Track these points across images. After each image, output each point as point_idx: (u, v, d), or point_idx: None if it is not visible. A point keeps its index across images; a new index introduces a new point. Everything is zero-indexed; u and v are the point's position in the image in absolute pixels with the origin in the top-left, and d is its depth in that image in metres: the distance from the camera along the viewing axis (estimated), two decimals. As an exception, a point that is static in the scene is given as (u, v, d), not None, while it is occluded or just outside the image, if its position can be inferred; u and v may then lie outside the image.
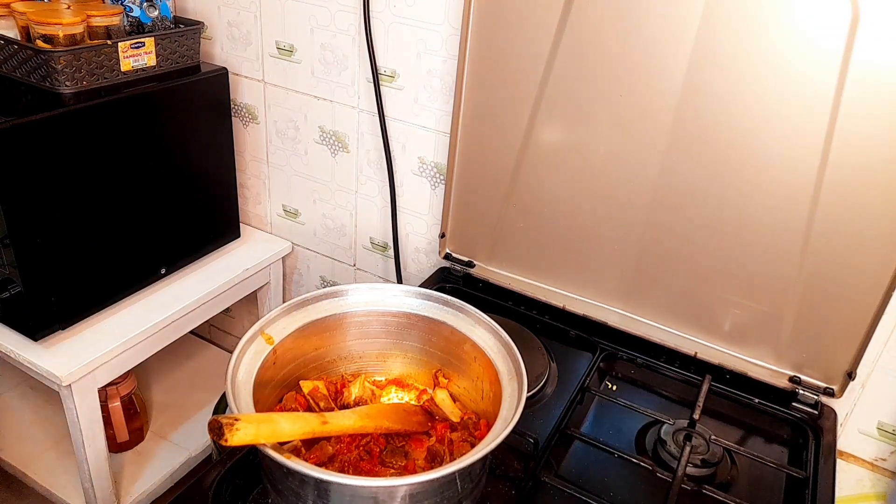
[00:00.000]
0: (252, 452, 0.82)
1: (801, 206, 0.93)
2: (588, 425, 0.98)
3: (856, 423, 1.07)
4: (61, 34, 1.10)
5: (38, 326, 1.17)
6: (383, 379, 0.95)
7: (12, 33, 1.14)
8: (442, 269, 1.27)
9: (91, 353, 1.19)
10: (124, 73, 1.19)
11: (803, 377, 1.02)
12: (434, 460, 0.81)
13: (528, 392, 0.80)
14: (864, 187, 0.89)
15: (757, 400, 1.02)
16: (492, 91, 1.09)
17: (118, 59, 1.17)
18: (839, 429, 1.07)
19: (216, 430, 0.63)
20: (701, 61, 0.93)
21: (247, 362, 0.79)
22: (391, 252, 1.40)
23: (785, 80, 0.89)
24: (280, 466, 0.68)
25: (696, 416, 0.94)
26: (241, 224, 1.53)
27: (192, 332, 1.48)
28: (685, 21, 0.92)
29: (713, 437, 0.93)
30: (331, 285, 1.54)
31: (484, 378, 0.85)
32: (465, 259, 1.24)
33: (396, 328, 0.92)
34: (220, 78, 1.34)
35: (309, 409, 0.85)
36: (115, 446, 1.48)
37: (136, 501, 1.41)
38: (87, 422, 1.23)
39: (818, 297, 0.97)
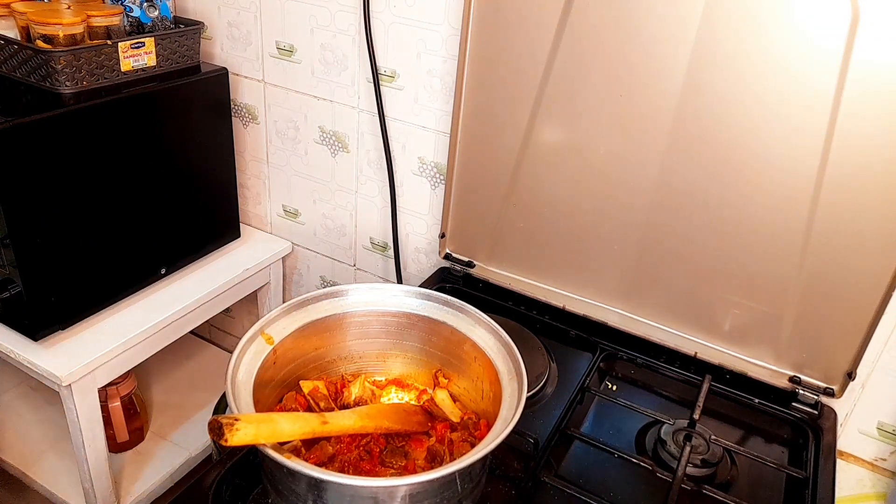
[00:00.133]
0: (252, 452, 0.82)
1: (801, 206, 0.93)
2: (588, 425, 0.98)
3: (856, 423, 1.07)
4: (61, 34, 1.10)
5: (38, 326, 1.17)
6: (383, 379, 0.95)
7: (12, 33, 1.14)
8: (442, 269, 1.27)
9: (91, 353, 1.19)
10: (124, 73, 1.19)
11: (803, 377, 1.02)
12: (434, 460, 0.81)
13: (528, 392, 0.80)
14: (864, 187, 0.89)
15: (757, 400, 1.02)
16: (492, 91, 1.09)
17: (118, 59, 1.17)
18: (839, 429, 1.07)
19: (216, 430, 0.63)
20: (701, 61, 0.93)
21: (247, 362, 0.79)
22: (391, 252, 1.40)
23: (785, 80, 0.89)
24: (280, 466, 0.68)
25: (696, 416, 0.94)
26: (241, 224, 1.53)
27: (192, 332, 1.48)
28: (685, 21, 0.92)
29: (713, 437, 0.93)
30: (331, 285, 1.54)
31: (484, 378, 0.85)
32: (465, 259, 1.24)
33: (396, 328, 0.92)
34: (220, 78, 1.34)
35: (309, 409, 0.85)
36: (115, 446, 1.48)
37: (136, 501, 1.41)
38: (87, 422, 1.23)
39: (818, 297, 0.97)
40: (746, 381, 1.04)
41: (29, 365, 1.17)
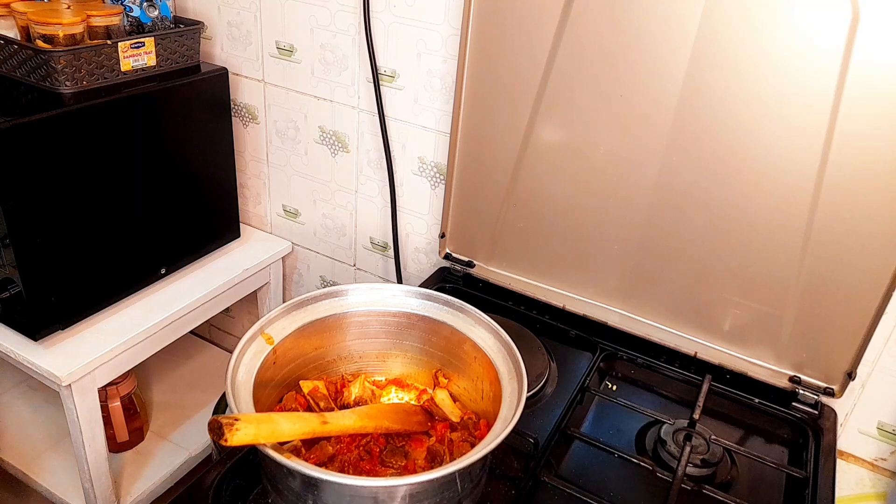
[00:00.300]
0: (252, 452, 0.82)
1: (801, 206, 0.93)
2: (588, 425, 0.98)
3: (856, 423, 1.07)
4: (61, 34, 1.10)
5: (38, 326, 1.17)
6: (383, 379, 0.95)
7: (12, 33, 1.14)
8: (442, 269, 1.27)
9: (91, 353, 1.19)
10: (124, 73, 1.19)
11: (803, 377, 1.02)
12: (434, 460, 0.81)
13: (528, 392, 0.80)
14: (864, 187, 0.89)
15: (757, 400, 1.02)
16: (492, 91, 1.09)
17: (118, 59, 1.17)
18: (839, 429, 1.07)
19: (216, 430, 0.63)
20: (701, 61, 0.93)
21: (247, 362, 0.79)
22: (391, 252, 1.40)
23: (785, 80, 0.89)
24: (280, 466, 0.68)
25: (696, 416, 0.94)
26: (241, 224, 1.53)
27: (192, 332, 1.48)
28: (685, 21, 0.92)
29: (713, 437, 0.93)
30: (331, 285, 1.55)
31: (484, 378, 0.85)
32: (465, 259, 1.24)
33: (396, 328, 0.92)
34: (220, 78, 1.34)
35: (309, 409, 0.85)
36: (115, 446, 1.47)
37: (136, 501, 1.41)
38: (87, 422, 1.23)
39: (818, 297, 0.97)
40: (746, 381, 1.04)
41: (29, 365, 1.17)
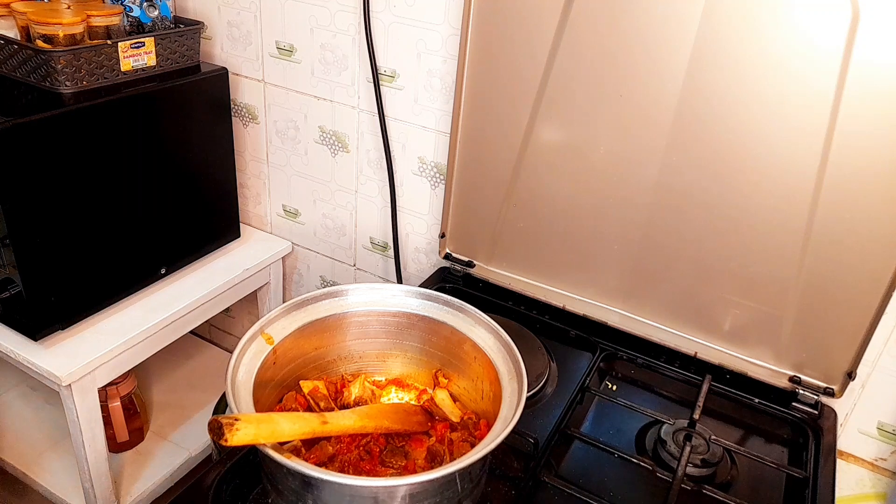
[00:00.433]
0: (252, 452, 0.82)
1: (801, 206, 0.93)
2: (588, 425, 0.98)
3: (856, 423, 1.07)
4: (61, 34, 1.10)
5: (38, 326, 1.17)
6: (383, 379, 0.95)
7: (12, 33, 1.14)
8: (442, 269, 1.27)
9: (91, 353, 1.19)
10: (124, 73, 1.19)
11: (803, 377, 1.02)
12: (434, 460, 0.81)
13: (528, 392, 0.80)
14: (864, 187, 0.89)
15: (757, 400, 1.02)
16: (492, 91, 1.09)
17: (118, 59, 1.17)
18: (839, 429, 1.07)
19: (216, 430, 0.63)
20: (701, 61, 0.93)
21: (247, 362, 0.79)
22: (391, 252, 1.40)
23: (785, 80, 0.89)
24: (280, 466, 0.68)
25: (696, 416, 0.94)
26: (241, 224, 1.53)
27: (192, 332, 1.48)
28: (685, 21, 0.92)
29: (713, 437, 0.93)
30: (331, 285, 1.54)
31: (484, 378, 0.85)
32: (465, 259, 1.24)
33: (396, 328, 0.92)
34: (220, 78, 1.34)
35: (309, 409, 0.85)
36: (115, 446, 1.47)
37: (136, 501, 1.41)
38: (87, 422, 1.23)
39: (818, 297, 0.97)
40: (746, 381, 1.04)
41: (29, 365, 1.17)
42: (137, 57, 1.20)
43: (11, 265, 1.10)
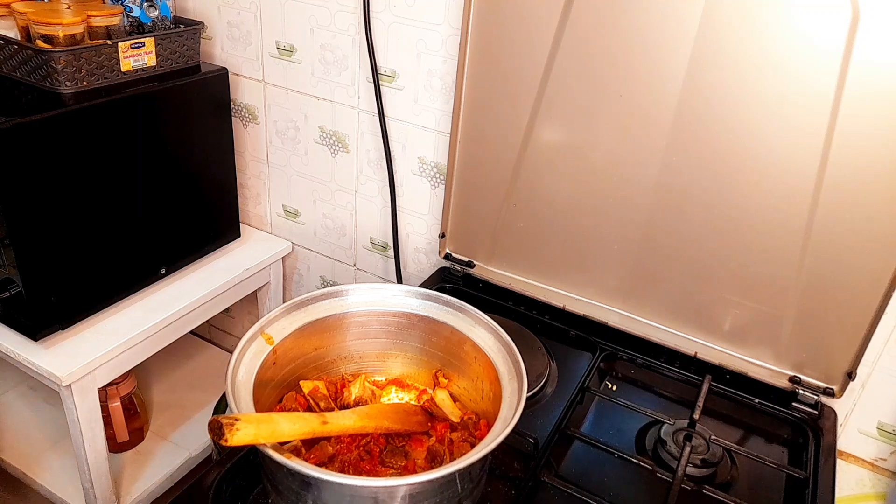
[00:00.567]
0: (252, 452, 0.82)
1: (801, 206, 0.93)
2: (588, 425, 0.98)
3: (856, 423, 1.07)
4: (61, 34, 1.10)
5: (38, 326, 1.17)
6: (383, 379, 0.95)
7: (12, 33, 1.14)
8: (442, 269, 1.27)
9: (91, 353, 1.19)
10: (124, 73, 1.19)
11: (803, 377, 1.02)
12: (434, 460, 0.81)
13: (528, 392, 0.80)
14: (864, 187, 0.89)
15: (757, 400, 1.02)
16: (492, 91, 1.09)
17: (118, 59, 1.17)
18: (839, 429, 1.07)
19: (216, 430, 0.63)
20: (701, 61, 0.93)
21: (247, 362, 0.79)
22: (391, 252, 1.40)
23: (785, 80, 0.89)
24: (280, 466, 0.68)
25: (696, 416, 0.94)
26: (241, 224, 1.53)
27: (192, 332, 1.48)
28: (685, 21, 0.92)
29: (713, 437, 0.93)
30: (331, 285, 1.54)
31: (484, 378, 0.85)
32: (465, 259, 1.24)
33: (396, 328, 0.92)
34: (220, 78, 1.34)
35: (309, 409, 0.85)
36: (115, 446, 1.47)
37: (136, 501, 1.41)
38: (87, 422, 1.23)
39: (818, 296, 0.97)
40: (746, 381, 1.04)
41: (29, 365, 1.17)
42: (137, 57, 1.20)
43: (11, 265, 1.10)
